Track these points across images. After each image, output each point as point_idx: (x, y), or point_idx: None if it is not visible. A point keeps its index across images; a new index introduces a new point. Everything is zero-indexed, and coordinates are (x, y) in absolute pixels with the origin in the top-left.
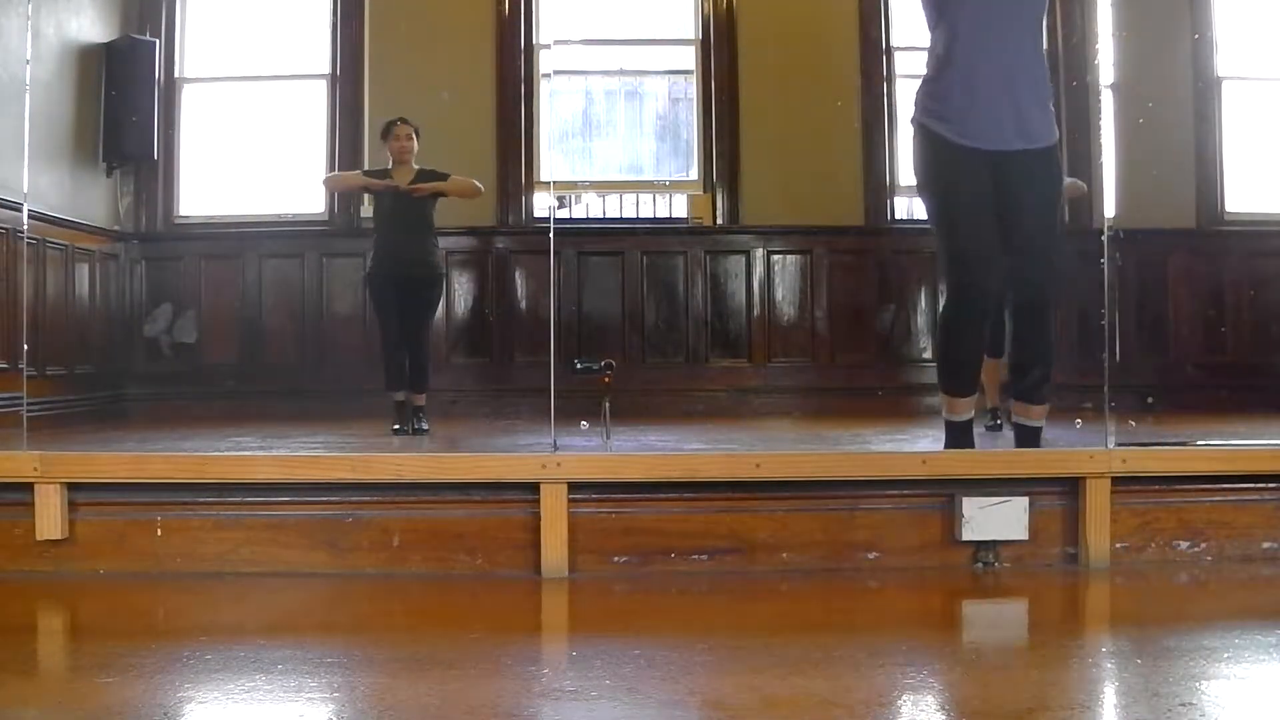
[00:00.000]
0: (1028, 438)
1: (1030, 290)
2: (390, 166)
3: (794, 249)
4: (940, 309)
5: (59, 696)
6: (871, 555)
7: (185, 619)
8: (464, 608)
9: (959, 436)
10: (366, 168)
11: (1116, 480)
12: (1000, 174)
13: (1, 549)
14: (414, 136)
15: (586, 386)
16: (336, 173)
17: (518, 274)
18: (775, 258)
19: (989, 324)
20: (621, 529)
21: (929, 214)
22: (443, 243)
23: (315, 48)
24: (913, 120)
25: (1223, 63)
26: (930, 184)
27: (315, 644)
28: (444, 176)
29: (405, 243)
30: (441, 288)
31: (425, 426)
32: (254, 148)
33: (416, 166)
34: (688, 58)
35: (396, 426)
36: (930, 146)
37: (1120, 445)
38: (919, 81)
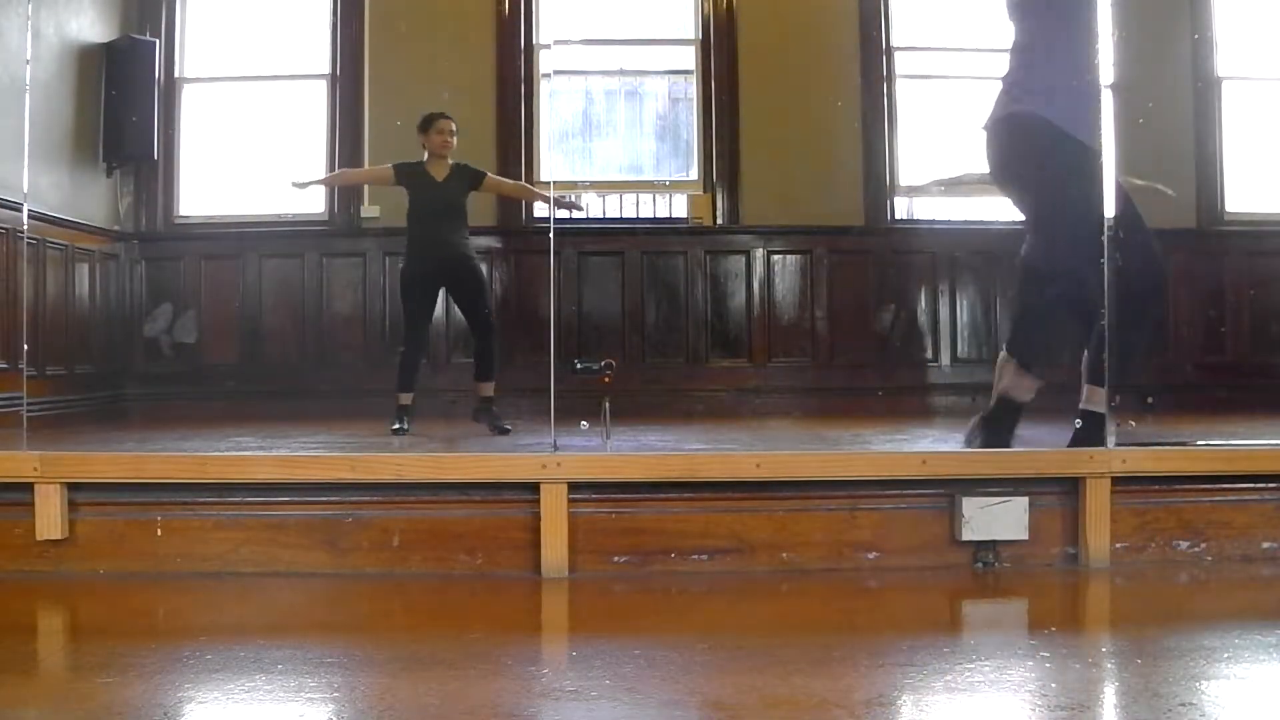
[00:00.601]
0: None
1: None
2: (426, 160)
3: (794, 249)
4: (1030, 289)
5: (59, 696)
6: (872, 555)
7: (185, 619)
8: (464, 608)
9: (1013, 417)
10: (398, 161)
11: (1116, 480)
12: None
13: (1, 549)
14: (454, 133)
15: (586, 386)
16: (349, 171)
17: (518, 274)
18: (775, 258)
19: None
20: (621, 529)
21: (1031, 195)
22: None
23: (315, 48)
24: (1002, 115)
25: (1223, 63)
26: (1043, 167)
27: (315, 644)
28: (480, 173)
29: (441, 237)
30: (483, 273)
31: (508, 426)
32: (254, 148)
33: (452, 162)
34: (688, 58)
35: (396, 426)
36: (1039, 132)
37: (1120, 445)
38: (1005, 78)
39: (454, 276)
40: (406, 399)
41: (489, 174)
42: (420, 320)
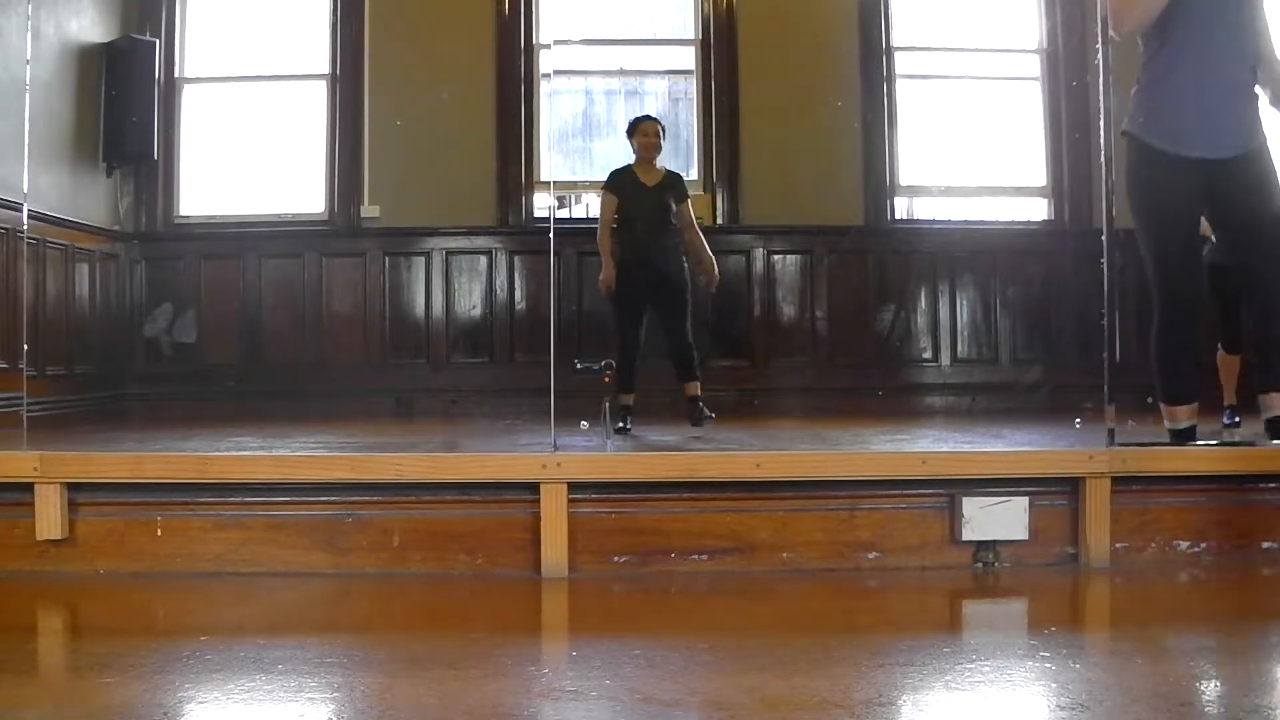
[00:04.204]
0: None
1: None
2: (634, 163)
3: (794, 249)
4: (1155, 322)
5: (59, 696)
6: (872, 555)
7: (185, 619)
8: (464, 608)
9: (1182, 445)
10: (606, 180)
11: (1116, 480)
12: (1217, 180)
13: (1, 549)
14: (660, 134)
15: (586, 386)
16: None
17: (518, 274)
18: (775, 258)
19: (1201, 331)
20: (621, 529)
21: (1137, 224)
22: (441, 242)
23: (315, 48)
24: (1123, 131)
25: None
26: (1139, 196)
27: (315, 644)
28: (686, 195)
29: (646, 243)
30: (688, 293)
31: (711, 414)
32: (254, 148)
33: (664, 168)
34: (688, 58)
35: (620, 425)
36: (1140, 158)
37: (1120, 445)
38: (1135, 88)
39: (658, 294)
40: (628, 399)
41: (690, 203)
42: (629, 328)
